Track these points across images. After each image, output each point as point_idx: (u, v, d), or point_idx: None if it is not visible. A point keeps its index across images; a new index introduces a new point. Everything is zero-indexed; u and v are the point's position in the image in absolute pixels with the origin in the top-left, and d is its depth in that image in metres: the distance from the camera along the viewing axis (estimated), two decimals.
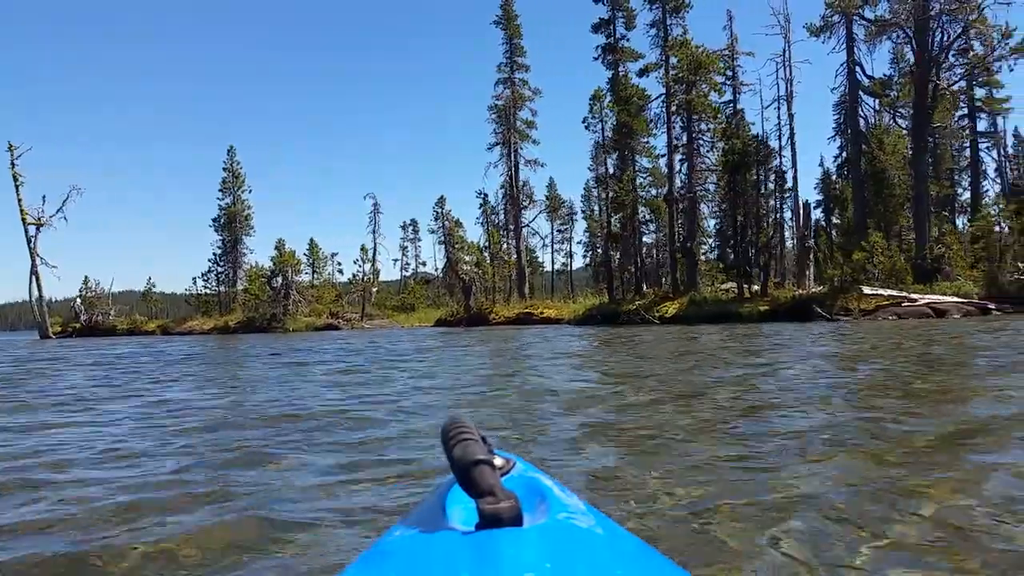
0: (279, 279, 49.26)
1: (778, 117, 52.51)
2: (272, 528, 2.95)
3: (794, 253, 48.69)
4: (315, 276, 58.03)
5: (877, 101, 44.94)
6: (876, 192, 43.79)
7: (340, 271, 65.88)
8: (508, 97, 55.34)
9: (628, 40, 43.24)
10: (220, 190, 58.49)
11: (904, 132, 46.39)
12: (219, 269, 57.75)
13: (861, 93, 45.09)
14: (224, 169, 58.31)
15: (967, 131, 53.18)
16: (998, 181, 57.48)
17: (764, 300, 32.52)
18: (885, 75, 47.17)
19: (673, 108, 36.33)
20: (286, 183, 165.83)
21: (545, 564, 0.66)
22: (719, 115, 34.83)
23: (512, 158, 55.46)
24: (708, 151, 35.51)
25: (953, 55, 33.81)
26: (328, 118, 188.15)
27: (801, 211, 39.46)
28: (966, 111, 50.94)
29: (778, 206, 39.76)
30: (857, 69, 44.21)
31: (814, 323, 27.84)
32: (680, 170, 36.86)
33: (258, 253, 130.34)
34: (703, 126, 35.45)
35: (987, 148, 54.53)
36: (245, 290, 52.54)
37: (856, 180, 44.47)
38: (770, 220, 38.17)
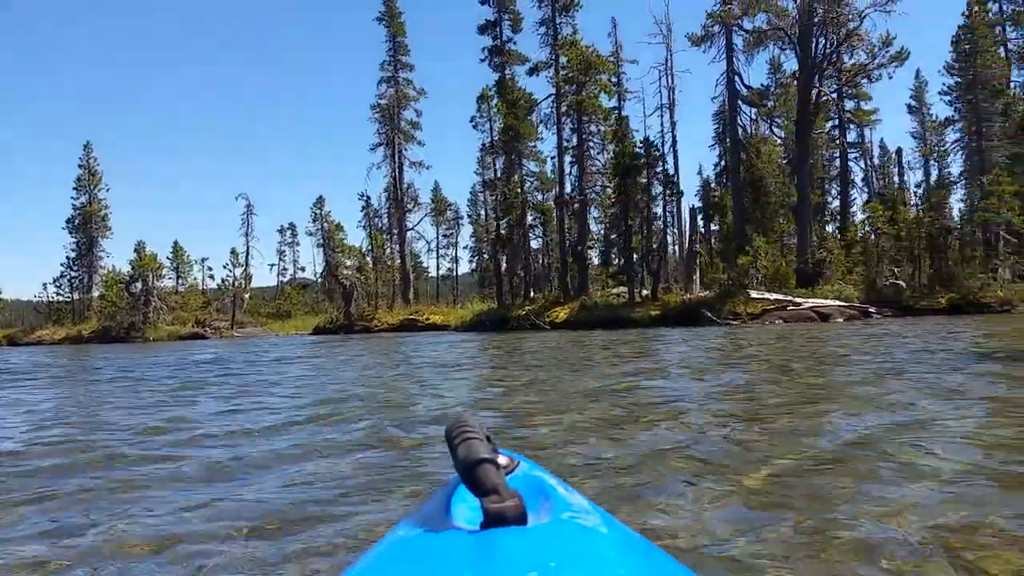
0: (138, 284, 45.55)
1: (661, 125, 52.94)
2: None
3: (678, 259, 48.91)
4: (180, 282, 54.16)
5: (755, 110, 45.64)
6: (754, 199, 44.37)
7: (211, 277, 62.11)
8: (392, 96, 53.43)
9: (515, 43, 42.88)
10: (75, 188, 54.10)
11: (778, 142, 47.67)
12: (73, 274, 53.29)
13: (740, 102, 45.53)
14: (79, 166, 53.94)
15: (837, 141, 54.75)
16: (865, 190, 59.77)
17: (655, 304, 31.92)
18: (763, 85, 48.15)
19: (563, 109, 35.37)
20: (148, 182, 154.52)
21: (549, 563, 0.65)
22: (610, 117, 34.07)
23: (396, 159, 53.55)
24: (598, 153, 34.73)
25: (834, 62, 34.11)
26: (197, 114, 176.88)
27: (687, 217, 39.19)
28: (836, 122, 52.41)
29: (666, 211, 39.39)
30: (736, 79, 44.65)
31: (704, 327, 27.41)
32: (570, 172, 36.00)
33: (117, 257, 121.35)
34: (593, 128, 34.62)
35: (855, 158, 56.47)
36: (102, 297, 48.46)
37: (735, 187, 44.83)
38: (659, 224, 37.71)
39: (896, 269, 33.77)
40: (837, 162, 56.66)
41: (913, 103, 64.12)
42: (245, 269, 55.55)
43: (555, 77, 35.62)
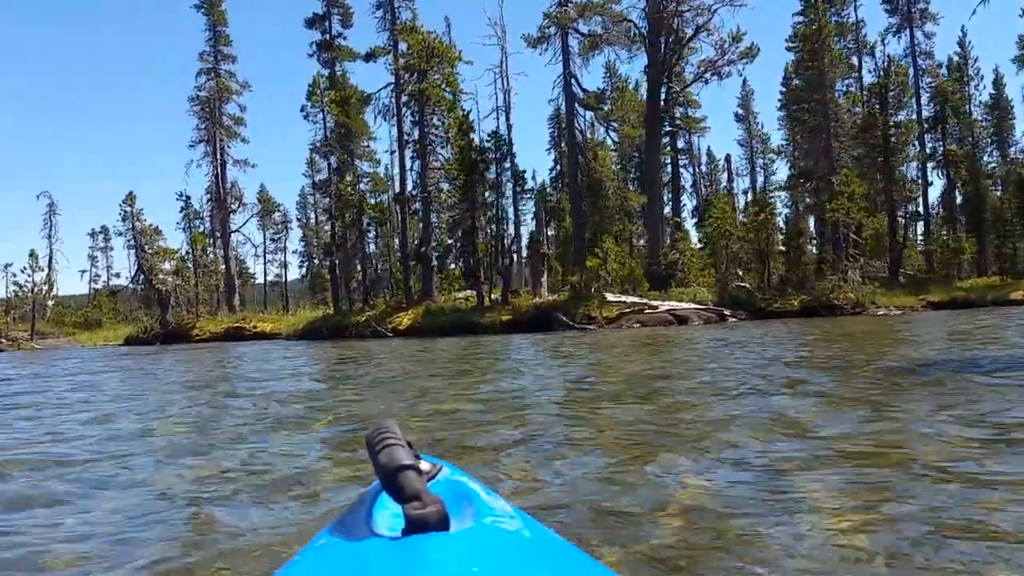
0: None
1: (496, 128, 50.55)
2: None
3: (524, 261, 46.52)
4: None
5: (592, 114, 44.10)
6: (592, 203, 42.98)
7: (17, 284, 53.66)
8: (212, 88, 48.17)
9: (345, 38, 40.01)
10: None
11: (612, 147, 46.65)
12: None
13: (577, 105, 43.79)
14: None
15: (668, 147, 54.34)
16: (694, 195, 59.97)
17: (505, 309, 29.04)
18: (600, 89, 46.90)
19: (403, 99, 31.88)
20: None
21: (472, 568, 0.65)
22: (455, 108, 30.81)
23: (218, 156, 48.39)
24: (442, 147, 31.40)
25: (682, 58, 32.50)
26: None
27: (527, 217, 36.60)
28: (667, 128, 51.86)
29: (517, 209, 36.58)
30: (573, 82, 43.00)
31: (558, 332, 24.97)
32: (411, 168, 32.53)
33: None
34: (436, 120, 31.28)
35: (684, 165, 56.33)
36: None
37: (573, 192, 42.94)
38: (508, 224, 34.87)
39: (741, 272, 32.65)
40: (668, 168, 56.43)
41: (740, 111, 65.14)
42: (48, 274, 48.51)
43: (394, 64, 32.08)
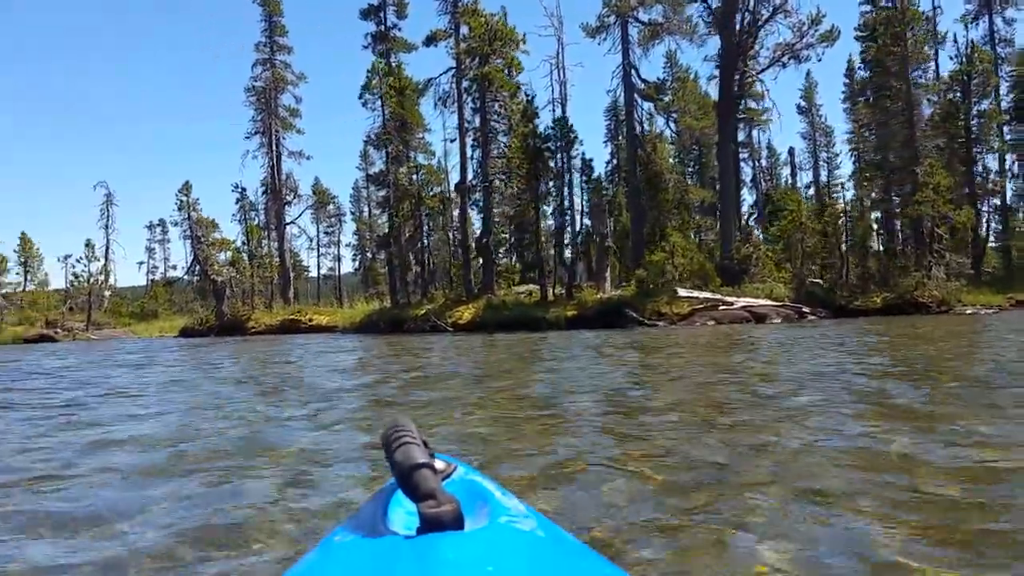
0: None
1: (552, 119, 48.69)
2: None
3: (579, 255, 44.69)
4: (29, 278, 45.98)
5: (652, 105, 42.15)
6: (651, 197, 41.12)
7: (74, 274, 53.61)
8: (268, 79, 47.13)
9: (400, 29, 38.57)
10: None
11: (670, 139, 44.91)
12: None
13: (636, 96, 41.90)
14: None
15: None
16: (754, 190, 57.57)
17: (570, 304, 27.30)
18: (659, 79, 45.02)
19: (465, 84, 30.23)
20: None
21: (486, 567, 0.65)
22: (517, 93, 29.06)
23: (274, 148, 47.33)
24: (504, 135, 29.66)
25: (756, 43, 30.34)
26: (49, 93, 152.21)
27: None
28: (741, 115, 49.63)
29: (584, 199, 34.53)
30: (632, 72, 41.16)
31: (626, 329, 23.23)
32: (472, 156, 30.83)
33: None
34: (498, 106, 29.55)
35: (744, 159, 53.98)
36: None
37: (632, 185, 41.07)
38: (575, 215, 32.97)
39: (815, 267, 30.49)
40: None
41: (803, 103, 62.35)
42: (104, 264, 47.98)
43: (455, 48, 30.42)
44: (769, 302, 26.67)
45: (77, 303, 44.08)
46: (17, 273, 44.89)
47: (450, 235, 38.09)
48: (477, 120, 30.28)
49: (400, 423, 0.84)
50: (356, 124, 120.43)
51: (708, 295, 26.47)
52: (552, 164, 28.50)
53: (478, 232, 31.63)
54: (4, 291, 39.36)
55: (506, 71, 28.95)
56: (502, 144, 29.61)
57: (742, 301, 26.39)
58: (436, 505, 0.72)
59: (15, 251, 45.46)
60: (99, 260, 44.24)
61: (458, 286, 31.70)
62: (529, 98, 28.19)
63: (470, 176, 31.09)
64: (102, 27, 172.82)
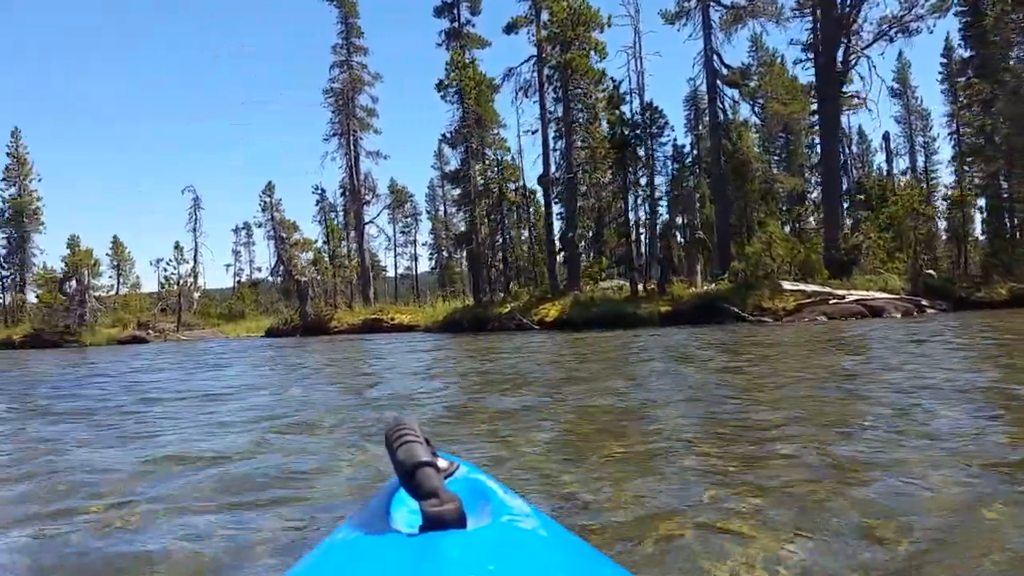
0: (72, 283, 37.88)
1: (630, 111, 46.47)
2: None
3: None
4: (121, 281, 46.31)
5: (737, 91, 39.60)
6: (737, 187, 38.74)
7: (165, 277, 54.19)
8: (346, 81, 46.40)
9: (474, 25, 37.60)
10: (3, 179, 46.27)
11: (754, 127, 42.57)
12: (3, 273, 45.30)
13: (719, 83, 39.37)
14: (8, 154, 46.00)
15: (817, 125, 49.08)
16: (844, 178, 54.15)
17: (663, 299, 25.30)
18: (744, 64, 42.52)
19: (547, 72, 28.46)
20: (87, 175, 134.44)
21: (488, 566, 0.65)
22: (603, 80, 27.11)
23: (352, 149, 46.61)
24: (591, 123, 27.75)
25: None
26: (133, 101, 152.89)
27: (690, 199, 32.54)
28: (816, 106, 46.66)
29: (681, 188, 32.24)
30: (715, 58, 38.66)
31: (726, 325, 21.25)
32: (555, 147, 29.05)
33: (51, 255, 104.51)
34: (582, 94, 27.64)
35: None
36: (38, 297, 40.71)
37: (715, 175, 38.66)
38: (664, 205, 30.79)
39: (926, 257, 27.77)
40: (817, 147, 51.19)
41: (897, 86, 58.45)
42: (193, 266, 48.02)
43: (536, 34, 28.64)
44: (884, 295, 24.17)
45: (168, 305, 44.17)
46: (110, 276, 45.24)
47: (528, 231, 36.60)
48: (559, 110, 28.48)
49: (403, 421, 0.82)
50: (430, 122, 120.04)
51: (816, 288, 24.14)
52: (645, 152, 26.46)
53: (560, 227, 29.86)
54: (97, 293, 39.45)
55: (590, 56, 27.02)
56: (586, 134, 27.71)
57: (854, 294, 23.97)
58: (439, 504, 0.71)
59: (107, 254, 45.83)
60: (188, 262, 44.14)
61: (542, 283, 29.97)
62: (615, 83, 26.22)
63: (552, 168, 29.32)
64: (107, 30, 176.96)
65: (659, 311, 24.28)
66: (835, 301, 23.57)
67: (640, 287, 26.65)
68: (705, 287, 27.81)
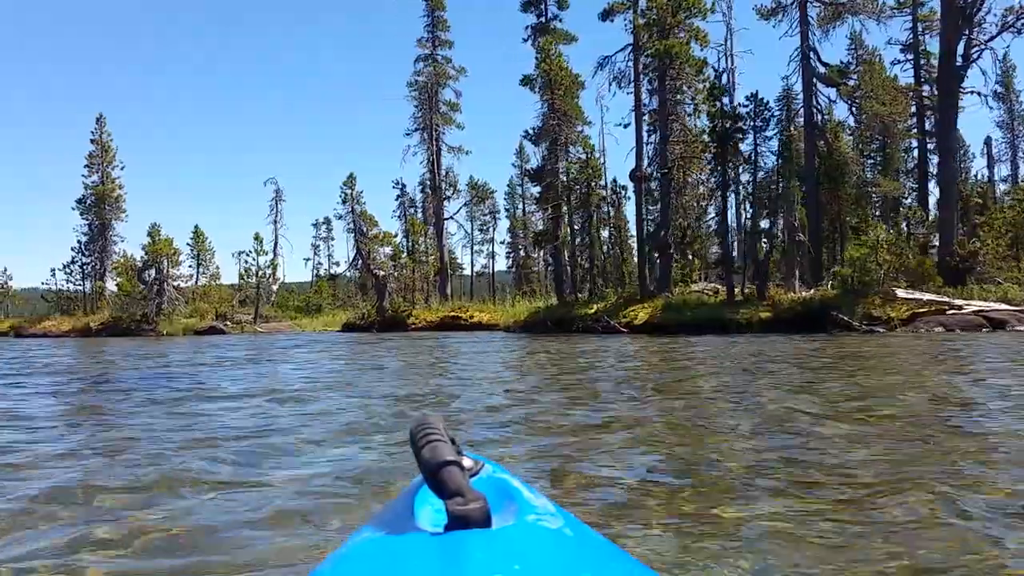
0: (151, 272, 37.79)
1: (745, 97, 44.59)
2: None
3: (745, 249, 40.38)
4: (201, 270, 46.22)
5: (836, 91, 37.37)
6: (831, 190, 36.61)
7: (246, 269, 54.20)
8: (430, 74, 45.61)
9: (561, 20, 36.11)
10: (86, 166, 46.55)
11: (849, 129, 40.70)
12: (84, 260, 45.64)
13: (816, 82, 37.16)
14: (92, 141, 46.30)
15: (915, 129, 46.48)
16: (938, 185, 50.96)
17: (763, 305, 23.52)
18: (842, 63, 40.35)
19: (643, 63, 26.90)
20: (169, 163, 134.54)
21: (513, 566, 0.64)
22: (703, 69, 25.41)
23: (434, 143, 45.83)
24: (691, 114, 26.13)
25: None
26: (221, 93, 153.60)
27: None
28: (914, 108, 43.90)
29: (780, 186, 30.10)
30: (812, 55, 36.52)
31: (834, 335, 19.57)
32: (648, 141, 27.45)
33: (132, 244, 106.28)
34: (682, 84, 25.99)
35: (932, 150, 47.85)
36: (118, 286, 40.71)
37: (809, 177, 36.55)
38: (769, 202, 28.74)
39: None
40: (915, 151, 48.45)
41: (999, 88, 54.90)
42: (273, 259, 47.84)
43: (633, 19, 27.06)
44: (1006, 306, 21.94)
45: (247, 296, 43.96)
46: (190, 266, 45.14)
47: (609, 231, 35.14)
48: (654, 102, 26.90)
49: (428, 420, 0.81)
50: (510, 121, 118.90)
51: (933, 297, 22.08)
52: (750, 146, 24.70)
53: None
54: (176, 283, 39.30)
55: (690, 45, 25.34)
56: (684, 128, 26.05)
57: (973, 304, 21.81)
58: (464, 503, 0.71)
59: (188, 244, 45.80)
60: (267, 254, 43.78)
61: (629, 284, 28.40)
62: (717, 72, 24.51)
63: (645, 164, 27.74)
64: None
65: (759, 317, 22.55)
66: (952, 312, 21.48)
67: (739, 291, 24.88)
68: (803, 293, 25.94)
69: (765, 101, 25.87)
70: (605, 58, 27.90)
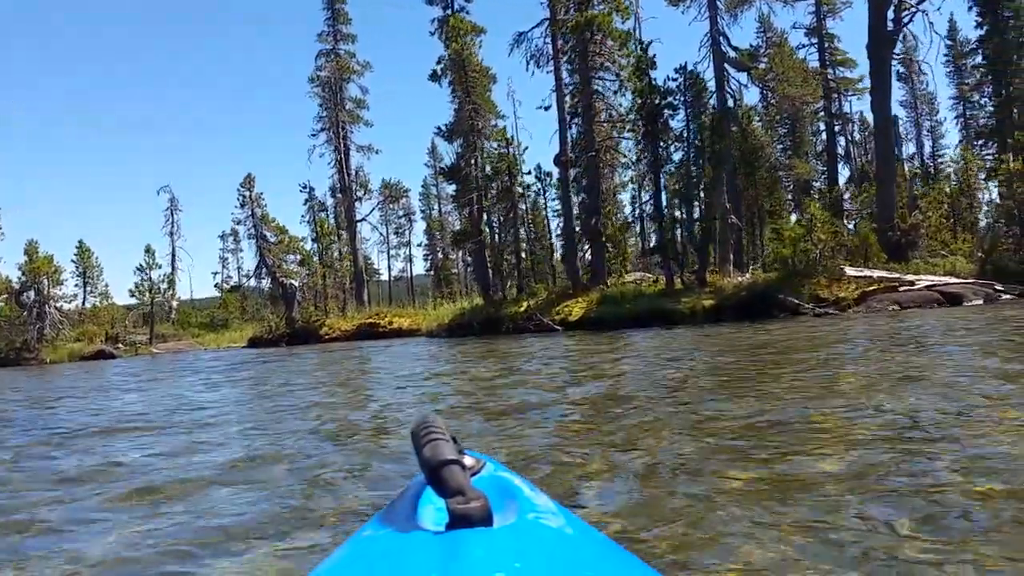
0: (30, 294, 33.46)
1: (675, 70, 42.87)
2: None
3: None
4: (88, 289, 41.54)
5: (746, 75, 36.25)
6: (747, 175, 35.66)
7: (136, 285, 49.30)
8: (333, 69, 42.56)
9: (468, 12, 32.68)
10: None
11: (760, 112, 40.18)
12: None
13: (727, 66, 35.88)
14: None
15: (822, 111, 46.15)
16: (847, 167, 50.83)
17: (705, 292, 21.59)
18: (751, 46, 39.48)
19: (560, 39, 24.60)
20: (47, 174, 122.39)
21: (514, 564, 0.63)
22: (627, 43, 23.26)
23: (341, 142, 42.81)
24: (616, 93, 23.99)
25: None
26: (98, 94, 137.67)
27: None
28: (822, 92, 43.40)
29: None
30: (722, 40, 35.27)
31: (784, 319, 18.00)
32: (572, 124, 25.16)
33: (8, 264, 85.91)
34: (603, 61, 23.82)
35: (838, 131, 47.53)
36: None
37: (727, 162, 35.24)
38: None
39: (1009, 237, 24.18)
40: (823, 134, 48.24)
41: (902, 70, 55.21)
42: (171, 273, 43.79)
43: None
44: (956, 280, 20.62)
45: (141, 315, 39.78)
46: (76, 285, 40.41)
47: (527, 224, 32.88)
48: (576, 80, 24.66)
49: (429, 419, 0.80)
50: (420, 121, 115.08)
51: (883, 273, 20.57)
52: (671, 125, 22.69)
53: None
54: (59, 304, 34.89)
55: (612, 17, 23.15)
56: (611, 106, 23.92)
57: (924, 279, 20.40)
58: (465, 501, 0.70)
59: (72, 260, 41.08)
60: (159, 267, 39.52)
61: (560, 278, 26.12)
62: (644, 45, 22.36)
63: (569, 147, 25.43)
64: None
65: (703, 305, 20.58)
66: (905, 288, 20.02)
67: (678, 279, 22.87)
68: (739, 278, 24.21)
69: (699, 75, 23.98)
70: (521, 34, 25.52)
